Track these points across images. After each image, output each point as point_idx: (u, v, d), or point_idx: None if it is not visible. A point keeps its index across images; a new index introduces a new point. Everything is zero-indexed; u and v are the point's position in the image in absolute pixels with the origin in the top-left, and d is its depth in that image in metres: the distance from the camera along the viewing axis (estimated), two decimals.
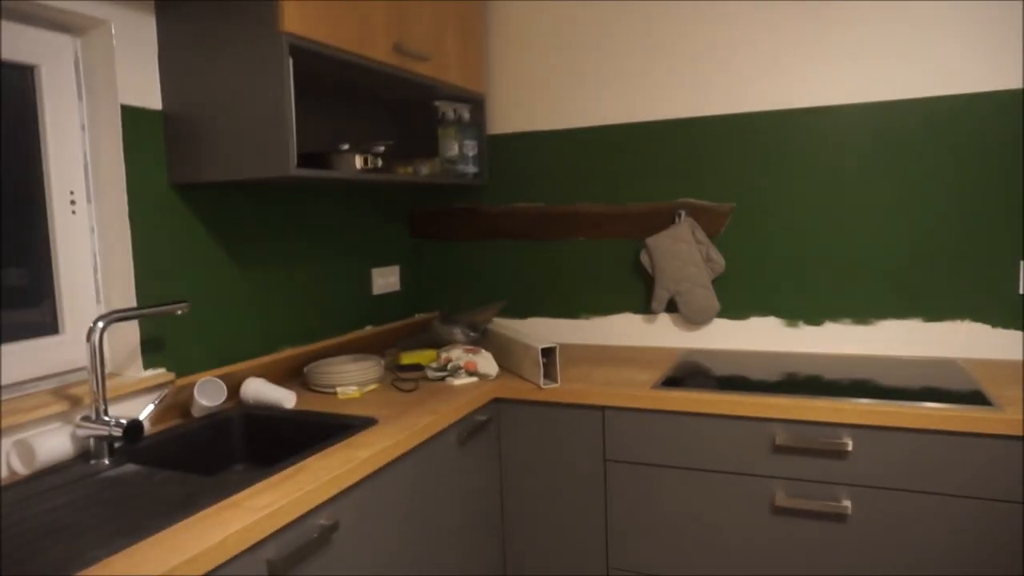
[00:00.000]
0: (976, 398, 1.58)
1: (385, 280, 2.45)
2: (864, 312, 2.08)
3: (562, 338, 2.46)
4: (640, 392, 1.75)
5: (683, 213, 2.22)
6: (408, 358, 2.06)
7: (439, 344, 2.23)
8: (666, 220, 2.27)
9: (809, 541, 1.64)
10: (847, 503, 1.59)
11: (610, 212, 2.35)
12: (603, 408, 1.80)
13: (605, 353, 2.24)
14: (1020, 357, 1.95)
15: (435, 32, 2.05)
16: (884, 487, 1.57)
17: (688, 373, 1.92)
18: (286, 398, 1.70)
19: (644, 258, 2.26)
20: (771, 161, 2.15)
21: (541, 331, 2.48)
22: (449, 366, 1.92)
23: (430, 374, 1.93)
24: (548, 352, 1.84)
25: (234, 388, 1.78)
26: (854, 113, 2.05)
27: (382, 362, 1.91)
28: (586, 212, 2.38)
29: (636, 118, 2.29)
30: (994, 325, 1.97)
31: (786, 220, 2.15)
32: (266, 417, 1.68)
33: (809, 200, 2.12)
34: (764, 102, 2.14)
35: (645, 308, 2.33)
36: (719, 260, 2.18)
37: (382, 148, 1.86)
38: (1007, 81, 1.90)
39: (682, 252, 2.18)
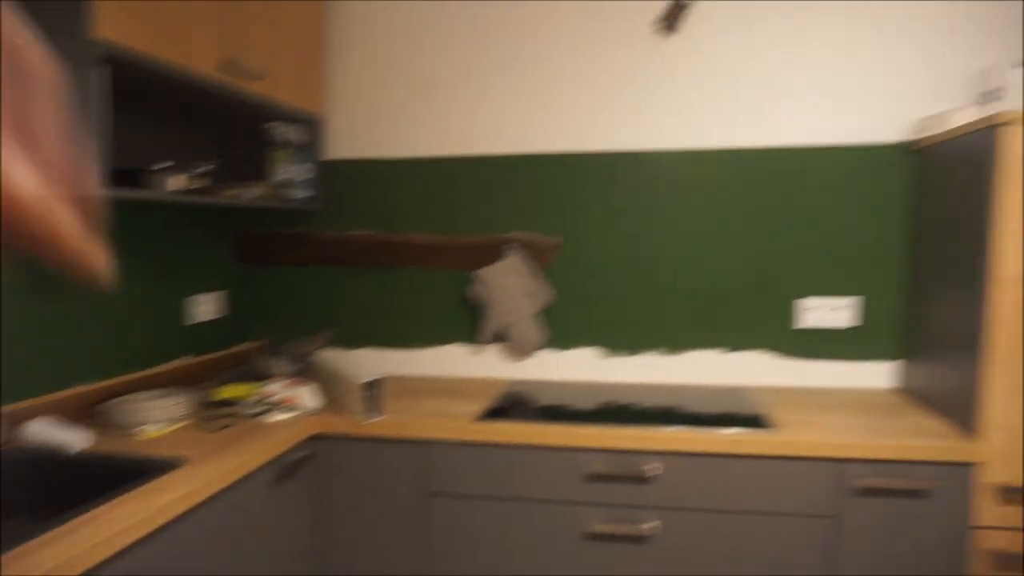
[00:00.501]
0: (759, 422, 1.74)
1: (206, 308, 2.32)
2: (673, 343, 2.23)
3: (392, 369, 2.43)
4: (464, 424, 1.76)
5: (513, 246, 2.28)
6: (225, 392, 1.96)
7: (261, 377, 2.14)
8: (497, 253, 2.32)
9: (622, 564, 1.72)
10: (656, 525, 1.69)
11: (443, 243, 2.37)
12: (427, 442, 1.80)
13: (433, 385, 2.25)
14: (799, 383, 2.17)
15: (271, 51, 1.98)
16: (689, 508, 1.68)
17: (512, 404, 1.97)
18: (76, 440, 1.56)
19: (474, 290, 2.29)
20: (597, 199, 2.26)
21: (370, 362, 2.44)
22: (267, 401, 1.85)
23: (247, 409, 1.85)
24: (373, 385, 1.82)
25: (16, 430, 1.61)
26: (669, 160, 2.20)
27: (192, 397, 1.80)
28: (420, 242, 2.38)
29: (472, 151, 2.33)
30: (778, 354, 2.17)
31: (608, 256, 2.26)
32: (52, 462, 1.53)
33: (628, 237, 2.25)
34: (593, 143, 2.25)
35: (474, 339, 2.37)
36: (546, 292, 2.26)
37: (204, 169, 1.77)
38: (790, 139, 2.12)
39: (511, 284, 2.24)
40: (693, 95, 2.18)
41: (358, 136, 2.41)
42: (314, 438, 1.85)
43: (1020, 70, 1.61)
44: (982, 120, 1.61)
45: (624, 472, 1.69)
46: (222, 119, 2.31)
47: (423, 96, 2.35)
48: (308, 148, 2.26)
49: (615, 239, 2.26)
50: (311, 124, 2.29)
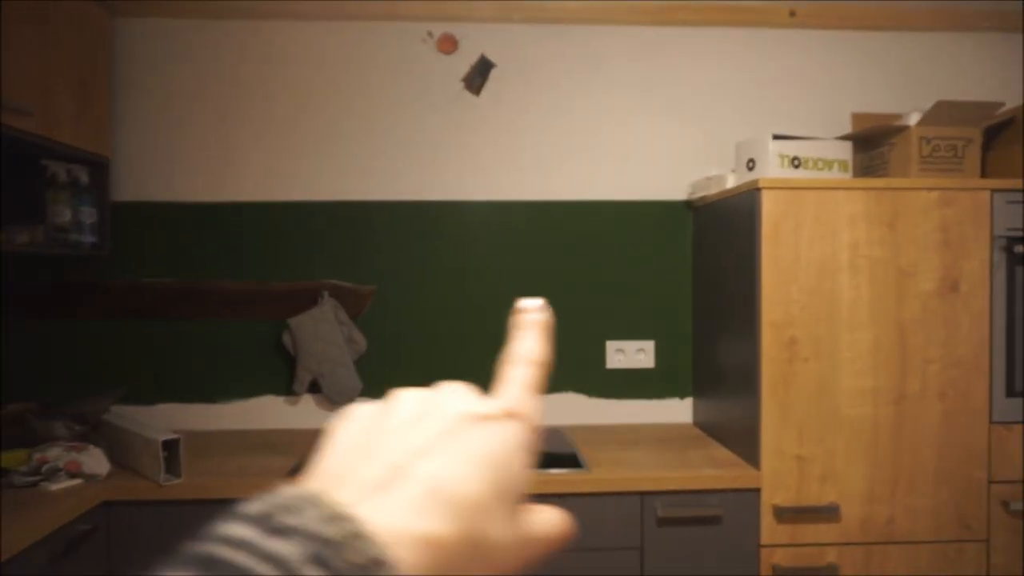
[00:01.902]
0: (573, 461, 1.83)
1: None
2: (488, 387, 2.29)
3: (196, 425, 2.26)
4: (274, 481, 1.68)
5: (326, 294, 2.24)
6: None
7: (35, 442, 1.89)
8: (309, 300, 2.26)
9: None
10: None
11: (251, 290, 2.27)
12: (232, 502, 1.68)
13: (243, 439, 2.12)
14: (608, 421, 2.32)
15: (43, 85, 1.81)
16: None
17: None
18: None
19: (286, 338, 2.21)
20: (410, 247, 2.29)
21: (172, 419, 2.25)
22: (44, 468, 1.64)
23: (17, 480, 1.62)
24: (171, 444, 1.68)
25: None
26: (480, 210, 2.29)
27: None
28: (225, 290, 2.26)
29: (279, 197, 2.27)
30: (589, 395, 2.32)
31: (421, 303, 2.29)
32: None
33: (442, 285, 2.29)
34: (406, 192, 2.29)
35: (287, 390, 2.27)
36: (361, 340, 2.23)
37: None
38: (590, 194, 2.31)
39: (324, 332, 2.19)
40: (501, 150, 2.31)
41: (153, 178, 2.26)
42: (105, 505, 1.66)
43: (773, 143, 1.89)
44: (745, 184, 1.86)
45: None
46: None
47: (227, 139, 2.27)
48: (92, 189, 2.08)
49: (428, 287, 2.30)
50: (95, 164, 2.10)
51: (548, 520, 0.31)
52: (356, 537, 0.22)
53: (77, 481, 1.66)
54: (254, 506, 0.23)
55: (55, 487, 1.62)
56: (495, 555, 0.27)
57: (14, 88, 1.69)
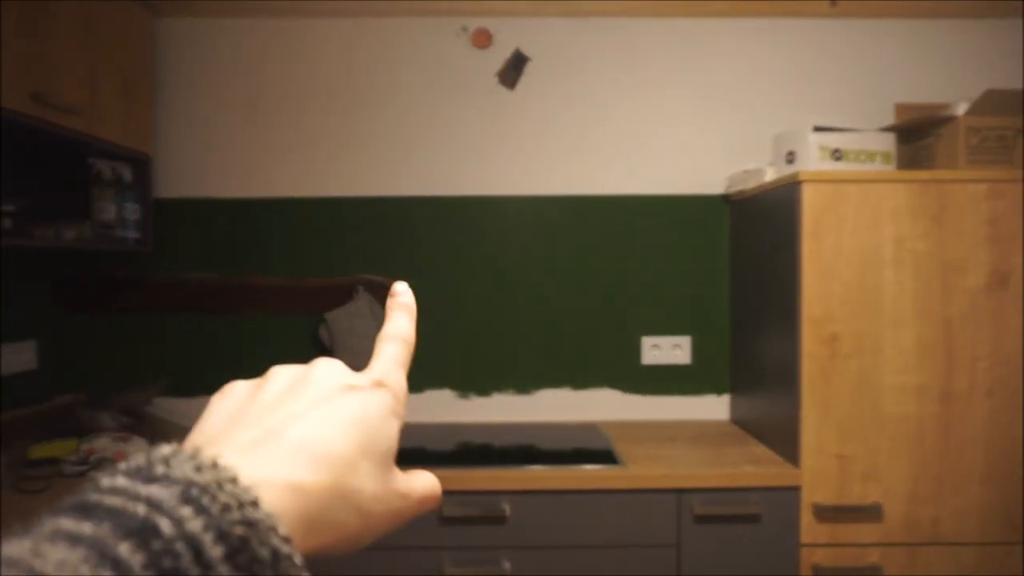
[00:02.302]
0: (609, 458, 1.82)
1: (16, 358, 2.08)
2: (525, 383, 2.30)
3: None
4: None
5: (361, 289, 2.26)
6: (40, 451, 1.76)
7: (83, 433, 1.95)
8: (345, 295, 2.28)
9: None
10: (507, 565, 1.70)
11: (288, 285, 2.30)
12: None
13: None
14: (644, 417, 2.30)
15: (89, 84, 1.85)
16: (541, 546, 1.71)
17: None
18: None
19: (322, 333, 2.24)
20: (446, 242, 2.30)
21: None
22: (92, 459, 1.68)
23: (67, 469, 1.67)
24: None
25: None
26: (516, 205, 2.29)
27: (1, 458, 1.60)
28: (263, 285, 2.30)
29: (316, 192, 2.30)
30: (625, 391, 2.30)
31: (459, 298, 2.30)
32: None
33: (478, 280, 2.30)
34: (440, 188, 2.29)
35: None
36: None
37: (11, 208, 1.61)
38: (626, 188, 2.29)
39: (359, 327, 2.21)
40: (536, 144, 2.30)
41: (193, 175, 2.30)
42: None
43: (813, 135, 1.85)
44: (785, 177, 1.83)
45: (480, 514, 1.70)
46: (35, 155, 2.12)
47: (264, 136, 2.30)
48: (135, 187, 2.12)
49: (465, 282, 2.30)
50: (138, 162, 2.15)
51: (419, 481, 0.35)
52: (227, 481, 0.24)
53: None
54: (132, 461, 0.24)
55: None
56: (362, 505, 0.29)
57: (62, 88, 1.74)
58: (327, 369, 0.34)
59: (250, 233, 2.30)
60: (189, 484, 0.23)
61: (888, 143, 1.90)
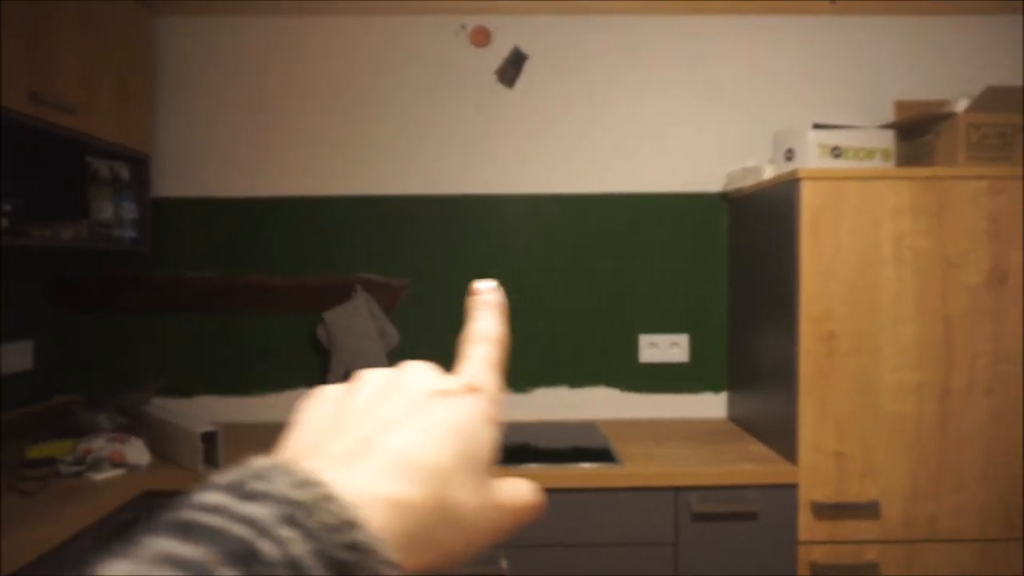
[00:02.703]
0: (606, 456, 1.82)
1: (13, 358, 2.08)
2: (522, 381, 2.29)
3: (234, 417, 2.30)
4: None
5: (359, 288, 2.26)
6: (37, 451, 1.76)
7: (80, 433, 1.94)
8: (343, 295, 2.28)
9: None
10: (504, 564, 1.70)
11: (286, 285, 2.29)
12: None
13: (279, 431, 2.14)
14: (641, 415, 2.30)
15: (87, 83, 1.85)
16: (539, 545, 1.71)
17: None
18: None
19: (320, 332, 2.23)
20: (445, 241, 2.29)
21: (209, 411, 2.29)
22: (89, 458, 1.68)
23: (63, 469, 1.67)
24: (209, 436, 1.71)
25: None
26: (515, 203, 2.29)
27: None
28: (261, 284, 2.29)
29: (315, 192, 2.29)
30: (622, 389, 2.30)
31: (457, 297, 2.29)
32: None
33: (475, 279, 2.28)
34: (440, 187, 2.29)
35: (321, 383, 2.29)
36: (394, 334, 2.25)
37: (8, 207, 1.61)
38: (624, 186, 2.29)
39: (357, 326, 2.21)
40: (535, 143, 2.29)
41: (191, 174, 2.30)
42: (147, 495, 1.70)
43: (812, 133, 1.85)
44: (784, 175, 1.82)
45: None
46: (32, 154, 2.11)
47: (262, 135, 2.29)
48: (133, 186, 2.12)
49: (462, 281, 2.30)
50: (136, 161, 2.14)
51: (518, 489, 0.33)
52: (326, 499, 0.23)
53: (120, 471, 1.70)
54: (226, 476, 0.23)
55: (99, 477, 1.66)
56: (464, 519, 0.28)
57: (59, 86, 1.73)
58: (418, 373, 0.33)
59: (248, 232, 2.30)
60: (288, 503, 0.22)
61: (887, 140, 1.89)
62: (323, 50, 2.29)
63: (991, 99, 1.81)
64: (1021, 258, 1.74)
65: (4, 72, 1.54)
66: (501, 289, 0.39)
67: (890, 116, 2.20)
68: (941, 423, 1.74)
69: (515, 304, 2.29)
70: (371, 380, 0.32)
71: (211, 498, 0.22)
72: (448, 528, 0.27)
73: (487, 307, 0.39)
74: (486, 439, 0.31)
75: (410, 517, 0.25)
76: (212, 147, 2.30)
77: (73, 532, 1.40)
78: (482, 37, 2.28)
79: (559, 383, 2.30)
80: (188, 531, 0.21)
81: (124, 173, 2.09)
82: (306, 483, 0.23)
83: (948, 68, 2.29)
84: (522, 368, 2.29)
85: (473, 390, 0.32)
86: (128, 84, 2.05)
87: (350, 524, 0.23)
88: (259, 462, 0.24)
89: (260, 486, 0.23)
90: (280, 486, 0.23)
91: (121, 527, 1.59)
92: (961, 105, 1.84)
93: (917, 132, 1.98)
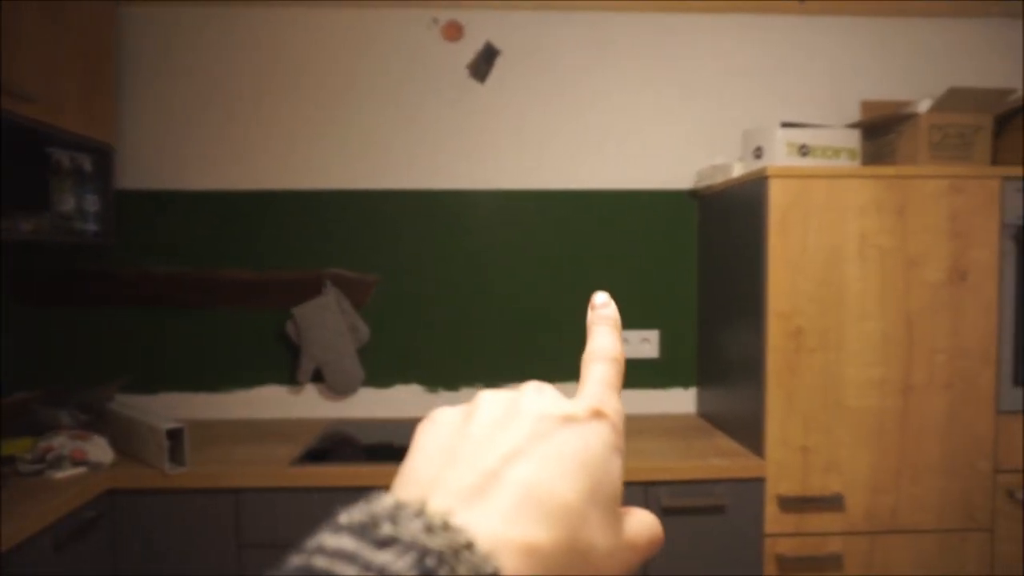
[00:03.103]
0: None
1: None
2: (494, 377, 2.29)
3: (201, 414, 2.27)
4: (277, 470, 1.68)
5: (329, 283, 2.23)
6: None
7: (40, 430, 1.90)
8: (312, 290, 2.26)
9: None
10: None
11: (255, 279, 2.26)
12: (237, 491, 1.69)
13: (247, 428, 2.12)
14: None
15: (49, 71, 1.80)
16: None
17: (333, 445, 1.91)
18: None
19: (290, 328, 2.21)
20: (415, 236, 2.28)
21: (175, 408, 2.26)
22: (49, 456, 1.64)
23: (22, 467, 1.63)
24: (175, 433, 1.68)
25: None
26: (485, 199, 2.28)
27: None
28: (229, 278, 2.26)
29: (284, 185, 2.26)
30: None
31: (428, 292, 2.28)
32: None
33: (446, 274, 2.29)
34: (408, 181, 2.28)
35: (291, 379, 2.27)
36: (364, 330, 2.23)
37: None
38: (595, 183, 2.30)
39: (328, 322, 2.19)
40: (507, 138, 2.29)
41: (157, 166, 2.25)
42: (109, 493, 1.67)
43: (780, 131, 1.87)
44: (753, 172, 1.84)
45: None
46: None
47: (230, 127, 2.26)
48: (96, 178, 2.07)
49: (433, 276, 2.29)
50: (99, 152, 2.09)
51: (644, 524, 0.30)
52: (464, 548, 0.22)
53: (82, 469, 1.66)
54: (354, 516, 0.22)
55: (60, 475, 1.62)
56: (597, 563, 0.26)
57: (18, 74, 1.68)
58: (539, 396, 0.30)
59: (216, 227, 2.26)
60: (423, 551, 0.21)
61: (853, 140, 1.92)
62: (293, 41, 2.26)
63: (953, 100, 1.85)
64: (980, 256, 1.79)
65: None
66: (612, 303, 0.38)
67: (857, 115, 2.24)
68: (902, 418, 1.78)
69: (485, 299, 2.29)
70: (489, 404, 0.30)
71: (341, 543, 0.21)
72: (580, 571, 0.25)
73: (606, 322, 0.36)
74: (615, 470, 0.29)
75: (544, 563, 0.24)
76: (178, 139, 2.26)
77: (32, 532, 1.37)
78: (454, 31, 2.27)
79: (530, 378, 2.29)
80: None
81: (87, 164, 2.05)
82: (440, 528, 0.22)
83: (914, 69, 2.34)
84: (493, 363, 2.29)
85: (599, 415, 0.30)
86: (92, 73, 2.00)
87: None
88: (386, 500, 0.23)
89: (390, 530, 0.22)
90: (413, 531, 0.22)
91: (83, 526, 1.56)
92: (924, 105, 1.88)
93: (881, 131, 2.01)
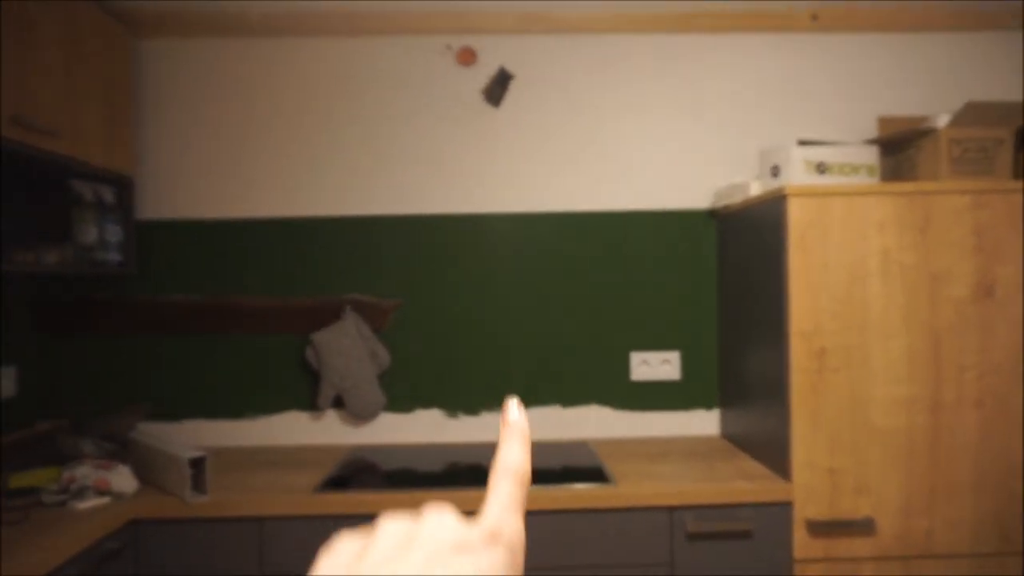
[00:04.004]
0: (599, 476, 1.81)
1: None
2: (503, 399, 2.27)
3: (223, 441, 2.27)
4: (300, 498, 1.67)
5: (348, 308, 2.24)
6: (19, 480, 1.73)
7: (65, 460, 1.91)
8: (331, 315, 2.26)
9: None
10: None
11: (274, 306, 2.27)
12: (260, 519, 1.68)
13: (269, 455, 2.12)
14: (634, 434, 2.29)
15: (70, 106, 1.84)
16: (532, 569, 1.69)
17: (354, 471, 1.90)
18: None
19: (310, 354, 2.21)
20: (434, 261, 2.28)
21: (198, 435, 2.26)
22: (73, 487, 1.65)
23: (47, 498, 1.63)
24: (197, 462, 1.68)
25: None
26: (504, 222, 2.29)
27: None
28: (249, 306, 2.27)
29: (302, 212, 2.28)
30: (614, 407, 2.29)
31: (447, 317, 2.28)
32: None
33: (466, 299, 2.28)
34: (426, 205, 2.29)
35: (311, 405, 2.27)
36: (384, 355, 2.23)
37: None
38: (614, 204, 2.29)
39: (347, 348, 2.19)
40: (522, 162, 2.30)
41: (176, 196, 2.28)
42: (133, 523, 1.67)
43: (797, 149, 1.86)
44: (771, 191, 1.83)
45: None
46: (15, 178, 2.09)
47: (248, 156, 2.28)
48: (117, 209, 2.10)
49: (452, 300, 2.29)
50: (120, 183, 2.13)
51: None
52: None
53: (105, 499, 1.66)
54: None
55: (83, 505, 1.62)
56: None
57: (42, 110, 1.72)
58: (437, 524, 0.32)
59: (236, 254, 2.28)
60: None
61: (872, 156, 1.91)
62: (307, 71, 2.29)
63: (972, 114, 1.83)
64: (1007, 272, 1.76)
65: None
66: (523, 410, 0.37)
67: (874, 132, 2.23)
68: (932, 437, 1.74)
69: (504, 322, 2.29)
70: (388, 532, 0.31)
71: None
72: None
73: (514, 435, 0.37)
74: None
75: None
76: (197, 169, 2.28)
77: (56, 564, 1.37)
78: (468, 57, 2.29)
79: (550, 402, 2.28)
80: None
81: (108, 196, 2.07)
82: None
83: (930, 84, 2.33)
84: (513, 387, 2.28)
85: (495, 539, 0.31)
86: (111, 107, 2.04)
87: None
88: None
89: None
90: None
91: (106, 557, 1.55)
92: (942, 120, 1.86)
93: (900, 147, 2.00)
